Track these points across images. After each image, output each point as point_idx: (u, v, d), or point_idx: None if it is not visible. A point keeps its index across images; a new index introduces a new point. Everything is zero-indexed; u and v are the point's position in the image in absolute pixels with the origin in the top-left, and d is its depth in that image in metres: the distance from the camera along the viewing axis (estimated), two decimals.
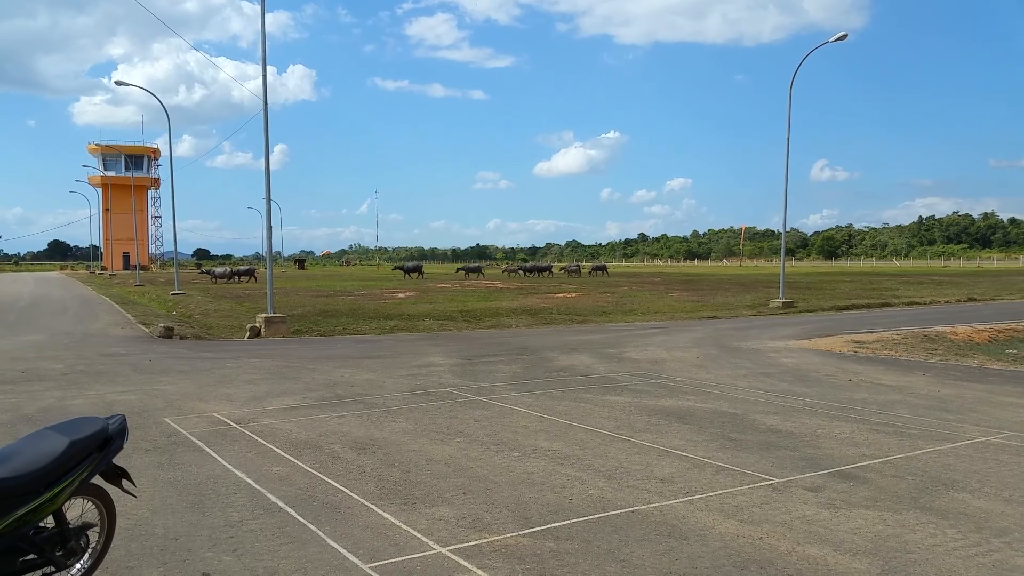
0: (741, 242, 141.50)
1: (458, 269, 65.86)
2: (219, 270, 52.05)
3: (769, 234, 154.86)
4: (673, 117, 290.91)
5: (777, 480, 6.17)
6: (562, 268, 67.69)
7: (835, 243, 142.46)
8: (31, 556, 3.67)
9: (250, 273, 51.99)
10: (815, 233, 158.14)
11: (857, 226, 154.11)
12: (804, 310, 26.65)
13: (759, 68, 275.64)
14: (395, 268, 67.83)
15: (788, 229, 29.99)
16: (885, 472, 6.39)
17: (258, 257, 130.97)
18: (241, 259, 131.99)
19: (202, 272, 51.92)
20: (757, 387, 10.81)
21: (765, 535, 4.94)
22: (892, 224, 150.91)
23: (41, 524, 3.72)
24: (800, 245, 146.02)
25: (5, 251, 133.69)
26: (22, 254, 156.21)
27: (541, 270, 63.31)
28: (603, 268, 66.68)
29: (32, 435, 3.86)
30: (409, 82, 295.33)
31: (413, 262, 68.51)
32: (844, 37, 26.01)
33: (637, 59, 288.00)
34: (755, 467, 6.54)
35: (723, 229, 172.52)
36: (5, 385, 10.97)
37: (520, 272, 63.84)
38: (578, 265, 70.57)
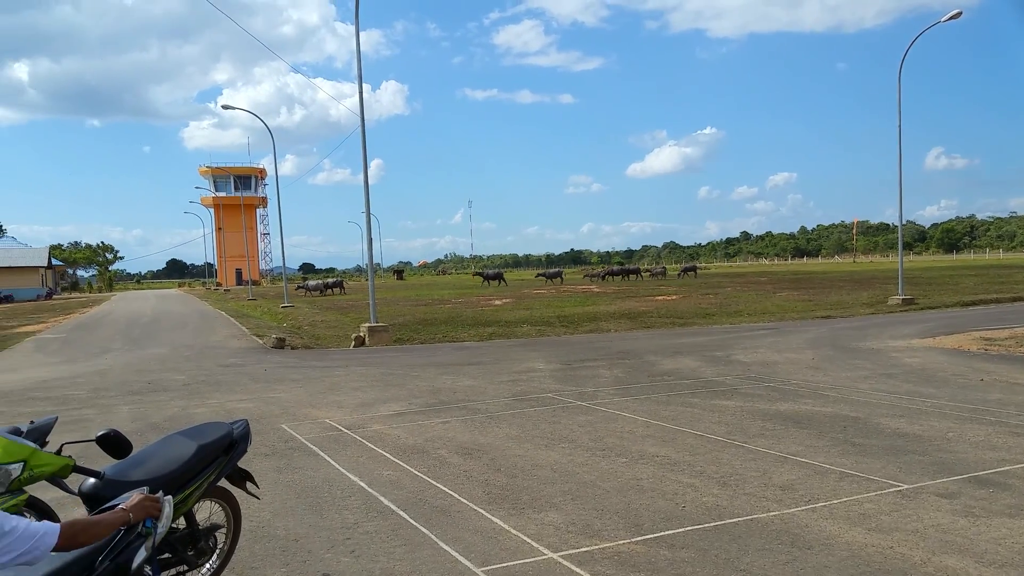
0: (853, 237, 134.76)
1: (537, 275, 65.24)
2: (312, 283, 55.06)
3: (883, 228, 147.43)
4: (773, 110, 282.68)
5: (906, 486, 5.79)
6: (646, 271, 63.48)
7: (956, 235, 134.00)
8: (166, 555, 3.84)
9: (339, 285, 54.66)
10: (933, 225, 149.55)
11: (980, 216, 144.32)
12: (926, 307, 25.15)
13: (863, 55, 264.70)
14: (475, 274, 67.92)
15: (904, 222, 28.42)
16: None
17: (359, 269, 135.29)
18: (343, 271, 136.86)
19: (299, 287, 54.24)
20: (879, 389, 10.23)
21: (896, 544, 4.63)
22: (1021, 213, 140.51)
23: (173, 525, 3.89)
24: (918, 238, 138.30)
25: (127, 270, 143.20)
26: (143, 273, 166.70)
27: (628, 272, 60.16)
28: (693, 269, 61.78)
29: (163, 440, 4.05)
30: (498, 90, 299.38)
31: (494, 269, 68.89)
32: (958, 15, 24.41)
33: (731, 52, 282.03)
34: (881, 473, 6.17)
35: (833, 224, 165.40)
36: (134, 396, 11.67)
37: (601, 277, 59.90)
38: (663, 267, 66.82)
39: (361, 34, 20.13)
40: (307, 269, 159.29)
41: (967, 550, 4.51)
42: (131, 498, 2.68)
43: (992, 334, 16.00)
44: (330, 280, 57.90)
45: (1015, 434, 7.36)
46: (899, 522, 5.02)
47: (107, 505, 2.93)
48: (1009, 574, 4.16)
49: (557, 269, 67.52)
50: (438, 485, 6.20)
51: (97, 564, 2.61)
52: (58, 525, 2.32)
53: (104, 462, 3.58)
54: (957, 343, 14.96)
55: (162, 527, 2.75)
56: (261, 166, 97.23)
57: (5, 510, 3.10)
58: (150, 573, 2.87)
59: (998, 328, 17.19)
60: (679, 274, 60.58)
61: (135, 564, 2.74)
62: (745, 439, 7.47)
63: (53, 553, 2.31)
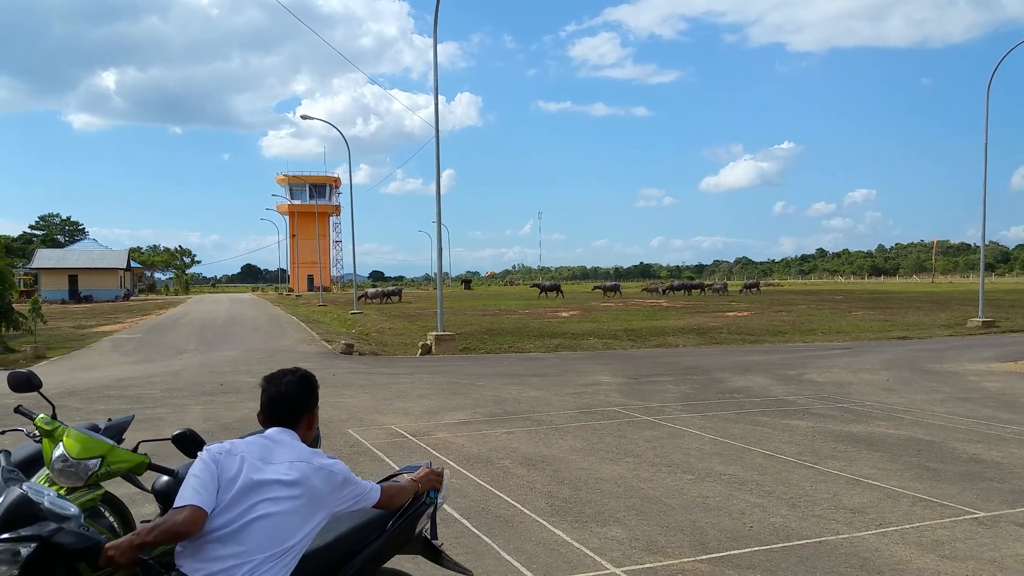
0: (933, 257, 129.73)
1: (594, 287, 65.00)
2: (371, 291, 56.89)
3: (964, 248, 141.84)
4: (853, 125, 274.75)
5: (983, 514, 5.57)
6: (709, 286, 61.86)
7: None
8: None
9: (397, 293, 56.18)
10: (1018, 246, 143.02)
11: None
12: (1008, 330, 24.04)
13: (948, 70, 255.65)
14: (532, 286, 68.54)
15: (987, 242, 27.25)
16: None
17: (427, 278, 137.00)
18: (411, 280, 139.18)
19: (361, 295, 55.54)
20: (956, 413, 9.84)
21: (971, 573, 4.47)
22: None
23: None
24: (1001, 260, 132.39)
25: (203, 274, 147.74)
26: (218, 276, 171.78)
27: (690, 288, 59.31)
28: (755, 286, 61.19)
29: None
30: (571, 103, 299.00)
31: (551, 281, 68.71)
32: None
33: (811, 67, 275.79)
34: (957, 499, 5.95)
35: (912, 243, 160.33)
36: (205, 397, 12.09)
37: (662, 292, 58.41)
38: (724, 283, 64.58)
39: (438, 46, 20.35)
40: (376, 277, 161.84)
41: None
42: (418, 471, 3.12)
43: None
44: (389, 288, 60.14)
45: None
46: (975, 550, 4.83)
47: (394, 474, 3.24)
48: None
49: (614, 282, 67.25)
50: (501, 495, 6.25)
51: (389, 526, 3.00)
52: (380, 486, 2.87)
53: (177, 460, 3.74)
54: None
55: (442, 498, 3.17)
56: (335, 175, 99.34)
57: (82, 504, 3.26)
58: (428, 536, 3.24)
59: None
60: (741, 290, 59.50)
61: (418, 528, 3.13)
62: (815, 460, 7.30)
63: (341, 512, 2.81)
